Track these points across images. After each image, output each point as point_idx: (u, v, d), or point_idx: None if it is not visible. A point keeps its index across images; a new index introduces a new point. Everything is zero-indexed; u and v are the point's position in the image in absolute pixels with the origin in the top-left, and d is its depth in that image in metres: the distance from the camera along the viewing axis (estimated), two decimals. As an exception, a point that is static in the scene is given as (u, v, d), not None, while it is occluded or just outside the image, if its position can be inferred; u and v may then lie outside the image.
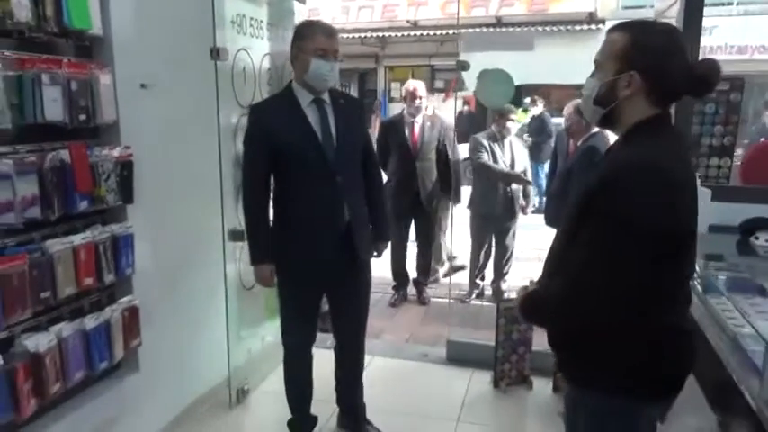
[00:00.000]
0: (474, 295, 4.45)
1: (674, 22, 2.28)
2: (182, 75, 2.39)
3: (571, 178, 3.76)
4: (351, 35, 12.75)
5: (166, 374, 2.41)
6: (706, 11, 2.18)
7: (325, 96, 2.19)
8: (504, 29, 11.82)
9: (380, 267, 2.60)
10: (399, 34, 13.05)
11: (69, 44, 1.91)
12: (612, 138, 1.51)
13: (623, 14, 12.41)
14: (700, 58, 1.34)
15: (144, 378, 2.25)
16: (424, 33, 12.90)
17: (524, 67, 3.08)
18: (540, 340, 3.18)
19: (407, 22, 12.91)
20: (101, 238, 1.96)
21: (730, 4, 10.77)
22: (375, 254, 2.43)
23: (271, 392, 2.93)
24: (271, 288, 2.31)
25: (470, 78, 3.97)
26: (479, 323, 3.88)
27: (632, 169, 1.19)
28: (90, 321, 1.93)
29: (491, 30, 10.60)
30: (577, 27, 11.77)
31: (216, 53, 2.45)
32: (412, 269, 4.47)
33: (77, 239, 1.87)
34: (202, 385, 2.75)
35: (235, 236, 2.68)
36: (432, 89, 14.15)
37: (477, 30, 9.59)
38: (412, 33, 13.02)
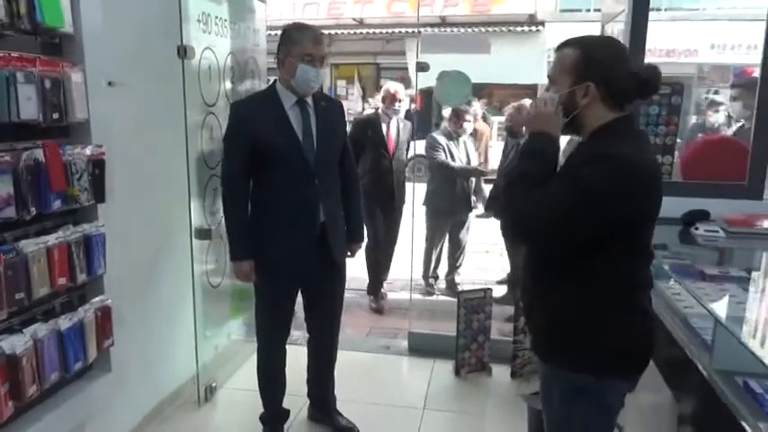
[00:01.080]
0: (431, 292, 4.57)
1: (622, 27, 2.46)
2: (149, 73, 2.39)
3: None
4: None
5: (137, 374, 2.39)
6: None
7: (308, 98, 2.24)
8: (448, 29, 12.07)
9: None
10: (345, 32, 13.08)
11: (38, 42, 1.88)
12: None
13: (561, 17, 12.92)
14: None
15: (115, 378, 2.23)
16: (370, 32, 13.00)
17: (467, 67, 3.20)
18: (498, 328, 3.36)
19: (353, 19, 12.96)
20: (73, 237, 1.94)
21: (659, 9, 11.40)
22: (348, 254, 2.50)
23: (238, 389, 2.95)
24: (247, 284, 2.34)
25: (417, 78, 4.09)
26: (435, 316, 4.02)
27: (603, 156, 1.32)
28: (64, 322, 1.91)
29: (448, 30, 10.80)
30: (518, 28, 12.18)
31: (183, 51, 2.45)
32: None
33: (51, 239, 1.84)
34: (171, 384, 2.75)
35: (201, 234, 2.68)
36: (378, 87, 14.31)
37: (431, 30, 9.80)
38: (358, 31, 13.09)
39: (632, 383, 1.49)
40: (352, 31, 13.11)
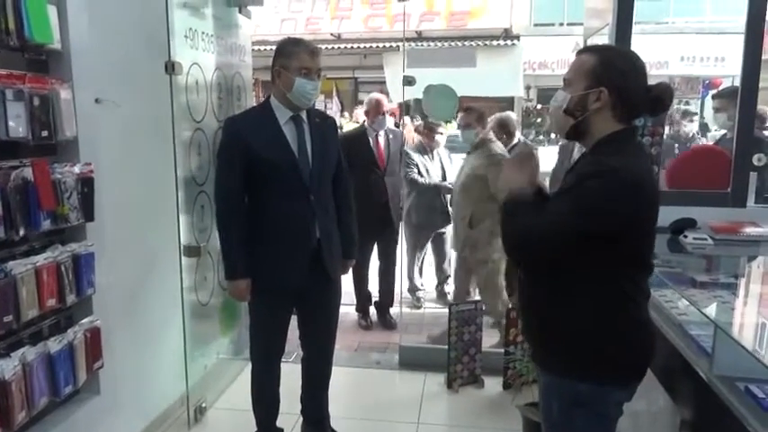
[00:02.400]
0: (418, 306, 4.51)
1: (605, 40, 2.51)
2: (137, 89, 2.36)
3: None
4: (272, 48, 12.70)
5: (126, 396, 2.33)
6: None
7: (303, 114, 2.24)
8: (424, 43, 12.20)
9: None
10: (323, 47, 13.05)
11: (25, 58, 1.85)
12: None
13: (535, 30, 13.18)
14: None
15: (104, 401, 2.17)
16: (348, 46, 13.06)
17: (444, 80, 3.23)
18: (489, 341, 3.36)
19: (331, 35, 13.03)
20: (62, 257, 1.89)
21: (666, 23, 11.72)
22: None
23: (228, 409, 2.90)
24: (238, 301, 2.31)
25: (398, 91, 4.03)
26: (424, 329, 4.01)
27: (606, 168, 1.34)
28: (54, 344, 1.86)
29: (425, 45, 10.91)
30: (494, 42, 12.36)
31: (171, 67, 2.43)
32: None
33: (40, 260, 1.80)
34: (160, 405, 2.69)
35: (191, 252, 2.65)
36: (356, 101, 14.36)
37: (411, 45, 9.89)
38: (335, 46, 13.14)
39: (631, 392, 1.50)
40: (329, 46, 13.13)
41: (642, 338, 1.46)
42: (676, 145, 5.23)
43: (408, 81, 3.17)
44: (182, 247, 2.58)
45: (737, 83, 2.41)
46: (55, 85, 1.84)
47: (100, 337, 2.07)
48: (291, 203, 2.19)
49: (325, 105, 14.45)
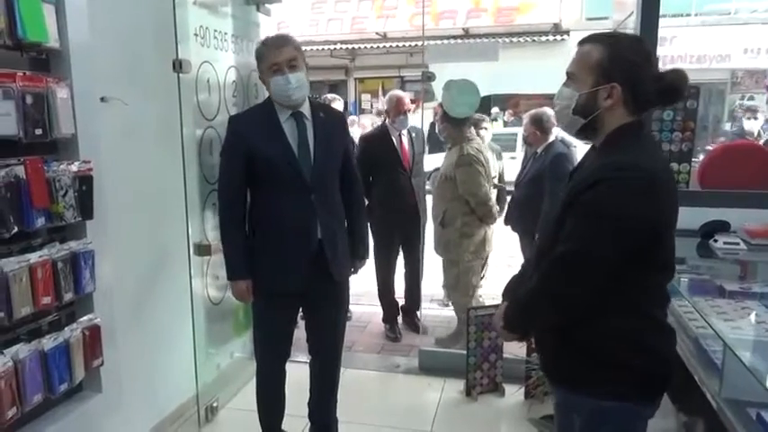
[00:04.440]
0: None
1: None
2: (144, 87, 2.36)
3: (542, 185, 3.81)
4: (320, 47, 12.79)
5: (131, 394, 2.33)
6: (665, 21, 2.24)
7: (305, 109, 2.17)
8: (470, 40, 11.99)
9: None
10: (369, 46, 13.13)
11: (24, 58, 1.86)
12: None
13: (587, 25, 12.69)
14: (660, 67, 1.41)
15: (107, 399, 2.17)
16: (393, 45, 13.01)
17: (492, 77, 3.11)
18: (511, 348, 3.20)
19: (376, 33, 13.01)
20: (59, 255, 1.90)
21: (688, 15, 11.12)
22: (352, 270, 2.40)
23: (241, 409, 2.88)
24: (246, 303, 2.28)
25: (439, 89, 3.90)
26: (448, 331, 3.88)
27: (619, 168, 1.24)
28: (48, 342, 1.86)
29: (455, 41, 10.76)
30: (543, 38, 12.04)
31: (178, 65, 2.42)
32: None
33: (34, 257, 1.80)
34: (170, 404, 2.69)
35: (201, 250, 2.63)
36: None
37: (444, 42, 9.74)
38: (381, 45, 13.12)
39: (654, 407, 1.38)
40: (375, 45, 13.15)
41: (666, 348, 1.34)
42: (724, 140, 4.88)
43: (428, 77, 3.06)
44: (191, 246, 2.57)
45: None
46: (51, 84, 1.84)
47: (100, 334, 2.07)
48: (292, 202, 2.13)
49: (371, 105, 14.48)
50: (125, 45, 2.27)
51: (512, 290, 1.55)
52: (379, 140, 3.73)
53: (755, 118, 12.20)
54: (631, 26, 2.40)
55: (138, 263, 2.42)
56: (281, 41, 2.10)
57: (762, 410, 1.15)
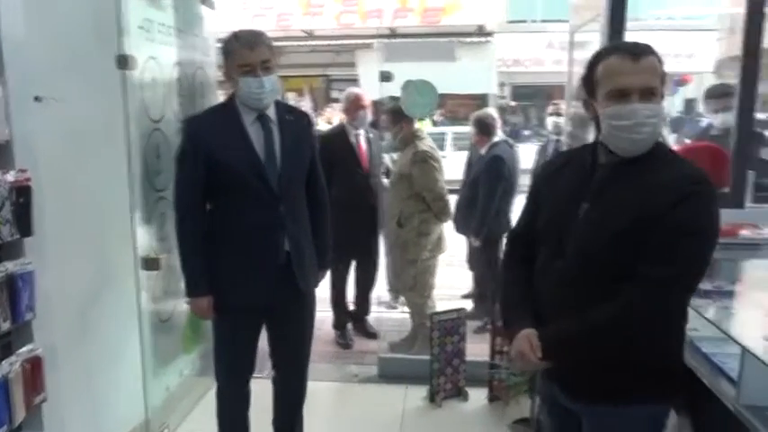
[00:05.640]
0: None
1: (594, 36, 2.36)
2: (84, 86, 2.11)
3: (478, 187, 3.84)
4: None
5: (76, 428, 2.10)
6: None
7: (271, 112, 2.01)
8: (397, 39, 12.03)
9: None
10: (294, 44, 12.85)
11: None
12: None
13: (509, 27, 13.13)
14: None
15: (50, 437, 1.94)
16: (320, 43, 12.83)
17: (419, 77, 3.08)
18: (473, 350, 3.18)
19: (303, 31, 12.76)
20: (-6, 278, 1.66)
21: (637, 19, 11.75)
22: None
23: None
24: (207, 320, 2.10)
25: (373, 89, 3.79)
26: (402, 335, 3.82)
27: (698, 182, 1.27)
28: (-16, 379, 1.62)
29: (412, 40, 10.81)
30: (468, 39, 12.26)
31: (123, 61, 2.19)
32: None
33: (-35, 282, 1.56)
34: (117, 433, 2.45)
35: (149, 264, 2.41)
36: (329, 99, 14.12)
37: (395, 41, 9.73)
38: (307, 43, 12.90)
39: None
40: (301, 43, 12.90)
41: (682, 348, 1.41)
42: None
43: (386, 77, 2.98)
44: (138, 260, 2.35)
45: (706, 79, 2.29)
46: (-19, 82, 1.60)
47: (41, 367, 1.83)
48: (258, 213, 1.97)
49: (297, 104, 14.23)
50: (63, 39, 2.02)
51: (523, 315, 1.44)
52: (337, 140, 3.59)
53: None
54: (592, 30, 2.43)
55: (80, 281, 2.17)
56: (255, 40, 1.92)
57: None
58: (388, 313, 4.24)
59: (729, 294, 1.89)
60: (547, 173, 1.55)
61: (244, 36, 1.92)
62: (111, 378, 2.37)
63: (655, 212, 1.23)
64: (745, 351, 1.25)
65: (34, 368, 1.80)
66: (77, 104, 2.06)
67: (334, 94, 14.37)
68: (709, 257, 1.28)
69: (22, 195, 1.73)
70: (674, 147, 3.16)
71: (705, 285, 1.88)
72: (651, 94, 1.27)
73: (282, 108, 2.08)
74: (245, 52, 1.89)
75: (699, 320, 1.64)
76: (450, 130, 10.72)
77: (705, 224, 1.25)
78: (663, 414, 1.40)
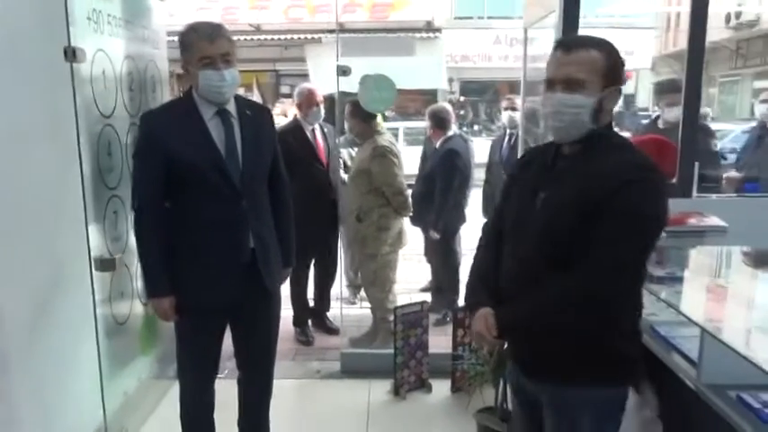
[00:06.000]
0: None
1: (549, 33, 2.43)
2: (29, 79, 2.01)
3: (434, 180, 3.89)
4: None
5: (29, 436, 2.00)
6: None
7: (231, 107, 1.96)
8: (346, 34, 11.97)
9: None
10: (241, 38, 12.58)
11: None
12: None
13: (457, 24, 13.31)
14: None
15: (1, 447, 1.84)
16: (268, 38, 12.63)
17: (369, 72, 3.08)
18: (434, 342, 3.22)
19: (249, 25, 12.52)
20: (-61, 283, 1.56)
21: (585, 17, 12.05)
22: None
23: (154, 437, 2.61)
24: (169, 321, 2.04)
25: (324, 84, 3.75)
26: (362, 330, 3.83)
27: (642, 168, 1.31)
28: (-69, 390, 1.52)
29: (362, 35, 10.74)
30: (417, 35, 12.33)
31: (71, 53, 2.09)
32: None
33: None
34: (73, 442, 2.35)
35: (104, 265, 2.32)
36: (278, 94, 13.92)
37: (356, 35, 9.65)
38: (255, 38, 12.66)
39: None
40: (248, 38, 12.65)
41: (642, 335, 1.45)
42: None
43: (343, 71, 2.96)
44: (92, 261, 2.26)
45: (643, 75, 2.39)
46: None
47: (-8, 374, 1.74)
48: (220, 210, 1.93)
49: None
50: (5, 28, 1.91)
51: (484, 295, 1.50)
52: (293, 135, 3.52)
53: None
54: (545, 27, 2.50)
55: (31, 284, 2.06)
56: (214, 32, 1.86)
57: (741, 392, 1.23)
58: (347, 309, 4.23)
59: (680, 280, 1.99)
60: (518, 167, 1.61)
61: (203, 28, 1.87)
62: (66, 383, 2.27)
63: (598, 197, 1.29)
64: (704, 333, 1.32)
65: (-16, 377, 1.71)
66: (21, 99, 1.96)
67: (284, 89, 14.20)
68: (651, 242, 1.31)
69: (-33, 195, 1.63)
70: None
71: (658, 272, 1.98)
72: (577, 85, 1.33)
73: (242, 103, 2.04)
74: (205, 45, 1.84)
75: (656, 305, 1.72)
76: (402, 126, 10.78)
77: (646, 210, 1.28)
78: (619, 397, 1.43)
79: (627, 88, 16.09)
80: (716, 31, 14.91)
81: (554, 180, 1.39)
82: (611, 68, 1.34)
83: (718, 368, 1.26)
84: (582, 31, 1.81)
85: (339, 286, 3.90)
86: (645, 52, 13.06)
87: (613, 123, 1.45)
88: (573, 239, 1.31)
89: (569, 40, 1.41)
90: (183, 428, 2.16)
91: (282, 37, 12.53)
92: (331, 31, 12.01)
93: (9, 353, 1.86)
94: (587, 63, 1.33)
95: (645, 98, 16.72)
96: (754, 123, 4.29)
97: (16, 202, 1.94)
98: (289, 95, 13.69)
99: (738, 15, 14.54)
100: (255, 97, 13.52)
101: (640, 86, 17.08)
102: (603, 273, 1.29)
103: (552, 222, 1.35)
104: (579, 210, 1.30)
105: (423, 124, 6.29)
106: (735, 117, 13.28)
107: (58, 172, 2.15)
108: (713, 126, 4.89)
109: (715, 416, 1.20)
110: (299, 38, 12.41)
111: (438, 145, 3.98)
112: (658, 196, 1.30)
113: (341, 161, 3.95)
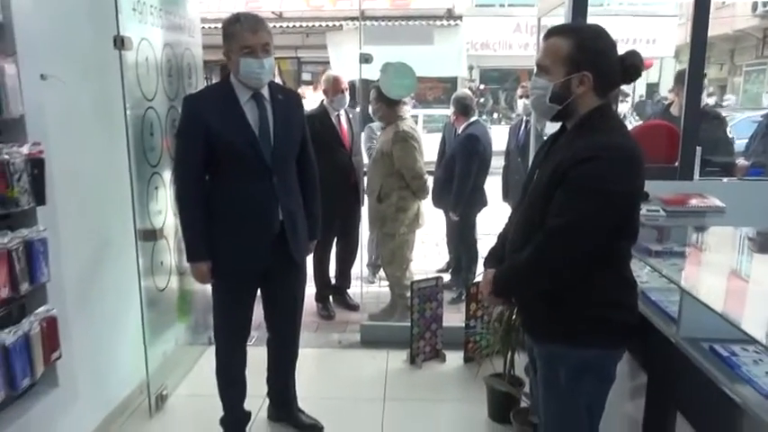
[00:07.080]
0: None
1: (560, 21, 2.56)
2: (84, 65, 2.23)
3: (455, 164, 4.06)
4: (213, 25, 12.25)
5: (85, 386, 2.23)
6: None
7: (265, 91, 2.16)
8: (368, 22, 12.10)
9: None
10: (265, 25, 12.75)
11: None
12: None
13: (477, 11, 13.32)
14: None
15: (63, 393, 2.07)
16: (290, 25, 12.78)
17: (390, 59, 3.23)
18: (449, 318, 3.41)
19: (272, 13, 12.68)
20: (13, 244, 1.78)
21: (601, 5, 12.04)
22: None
23: (189, 396, 2.84)
24: (205, 284, 2.26)
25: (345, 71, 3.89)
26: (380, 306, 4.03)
27: (604, 148, 1.41)
28: (8, 336, 1.75)
29: (367, 24, 10.84)
30: (437, 23, 12.40)
31: (120, 42, 2.30)
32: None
33: (-11, 247, 1.68)
34: (119, 394, 2.61)
35: (146, 235, 2.55)
36: (299, 81, 14.11)
37: (374, 22, 9.78)
38: (277, 25, 12.82)
39: (623, 351, 1.60)
40: (271, 25, 12.76)
41: (634, 301, 1.56)
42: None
43: (366, 59, 3.13)
44: (137, 231, 2.48)
45: (667, 63, 2.50)
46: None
47: (57, 326, 1.97)
48: (253, 185, 2.13)
49: (268, 85, 14.14)
50: (64, 18, 2.12)
51: (494, 258, 1.71)
52: (319, 120, 3.70)
53: (624, 101, 13.52)
54: (559, 15, 2.63)
55: (84, 250, 2.30)
56: (257, 25, 2.07)
57: (713, 344, 1.40)
58: (366, 287, 4.44)
59: (679, 254, 2.13)
60: (538, 151, 1.77)
61: (247, 20, 2.07)
62: (113, 342, 2.52)
63: (562, 170, 1.42)
64: (683, 292, 1.48)
65: (50, 327, 1.94)
66: (78, 83, 2.18)
67: (305, 77, 14.39)
68: (604, 215, 1.39)
69: (36, 167, 1.85)
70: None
71: (656, 247, 2.13)
72: (542, 70, 1.50)
73: (275, 88, 2.23)
74: (248, 35, 2.04)
75: (651, 276, 1.88)
76: (421, 113, 10.90)
77: (598, 185, 1.37)
78: (609, 360, 1.54)
79: (650, 76, 15.93)
80: (742, 20, 14.74)
81: (546, 160, 1.56)
82: (576, 55, 1.44)
83: (695, 324, 1.42)
84: (603, 20, 1.93)
85: (360, 266, 4.10)
86: (668, 40, 12.93)
87: (630, 109, 1.58)
88: (548, 207, 1.46)
89: (552, 28, 1.53)
90: (219, 381, 2.38)
91: (304, 24, 12.67)
92: (353, 19, 12.16)
93: (70, 319, 2.08)
94: (551, 50, 1.48)
95: (668, 87, 16.54)
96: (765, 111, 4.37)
97: (74, 175, 2.17)
98: (310, 83, 13.91)
99: (766, 3, 14.29)
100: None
101: (664, 75, 16.91)
102: (553, 240, 1.43)
103: (536, 192, 1.53)
104: (551, 185, 1.45)
105: (442, 112, 6.35)
106: (760, 106, 13.12)
107: (109, 150, 2.37)
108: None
109: (691, 364, 1.36)
110: (321, 25, 12.54)
111: (460, 130, 4.15)
112: (613, 173, 1.37)
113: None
